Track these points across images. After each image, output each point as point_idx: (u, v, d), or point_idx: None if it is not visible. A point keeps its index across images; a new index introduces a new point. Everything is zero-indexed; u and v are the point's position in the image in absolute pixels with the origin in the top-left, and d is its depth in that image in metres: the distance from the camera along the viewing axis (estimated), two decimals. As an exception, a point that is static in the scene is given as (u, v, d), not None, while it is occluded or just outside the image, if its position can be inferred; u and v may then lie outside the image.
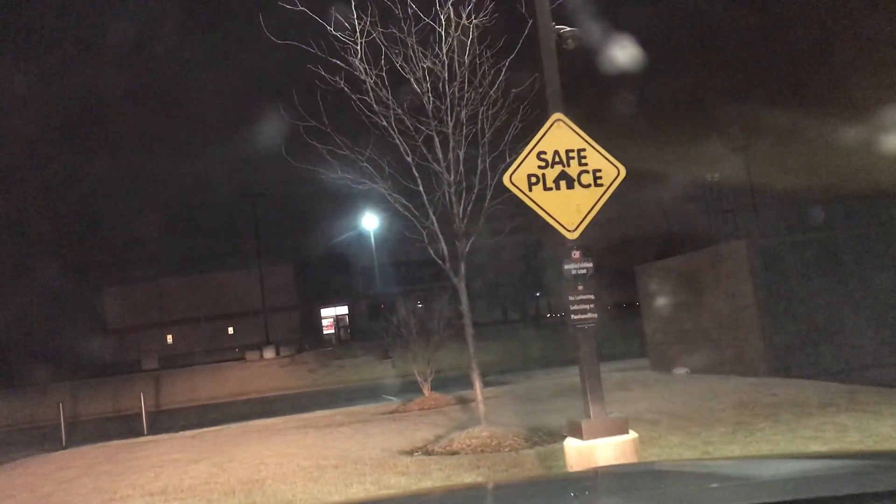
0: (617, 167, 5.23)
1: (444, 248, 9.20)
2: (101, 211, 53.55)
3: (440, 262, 9.25)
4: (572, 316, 5.14)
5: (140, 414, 17.17)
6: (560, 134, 5.20)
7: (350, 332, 51.55)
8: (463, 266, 9.15)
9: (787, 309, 12.95)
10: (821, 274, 13.18)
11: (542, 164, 5.16)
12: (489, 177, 9.02)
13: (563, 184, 5.15)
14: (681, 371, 15.07)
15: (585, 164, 5.18)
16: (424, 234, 9.26)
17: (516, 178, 5.16)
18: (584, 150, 5.19)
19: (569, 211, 5.14)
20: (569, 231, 5.14)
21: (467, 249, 9.15)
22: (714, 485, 1.96)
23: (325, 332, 52.21)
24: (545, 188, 5.15)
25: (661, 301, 16.13)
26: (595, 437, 4.95)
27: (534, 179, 5.15)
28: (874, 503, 1.56)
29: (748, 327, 13.27)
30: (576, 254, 5.13)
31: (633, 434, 5.03)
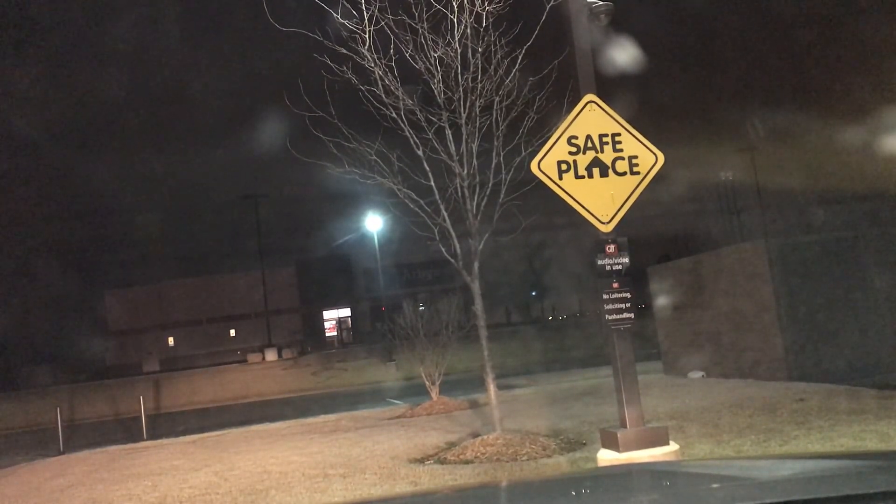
0: (655, 154, 4.79)
1: (457, 246, 8.75)
2: (103, 212, 53.15)
3: (452, 260, 8.81)
4: (606, 316, 4.70)
5: (140, 417, 16.73)
6: (593, 117, 4.76)
7: (353, 335, 51.13)
8: (476, 265, 8.71)
9: (808, 310, 12.49)
10: (843, 274, 12.72)
11: (574, 149, 4.73)
12: (504, 171, 8.60)
13: (596, 171, 4.72)
14: (696, 375, 14.60)
15: (621, 151, 4.75)
16: (436, 231, 8.82)
17: (545, 164, 4.72)
18: (619, 134, 4.76)
19: (603, 201, 4.71)
20: (602, 223, 4.71)
21: (481, 247, 8.71)
22: (714, 485, 1.97)
23: (327, 334, 51.77)
24: (577, 176, 4.71)
25: (675, 303, 15.66)
26: (633, 449, 4.51)
27: (564, 167, 4.72)
28: (874, 503, 1.54)
29: (767, 330, 12.80)
30: (610, 248, 4.70)
31: (674, 446, 4.59)
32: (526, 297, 54.17)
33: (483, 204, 8.64)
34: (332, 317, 52.83)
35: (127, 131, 63.14)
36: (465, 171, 8.54)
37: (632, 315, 4.72)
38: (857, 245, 13.10)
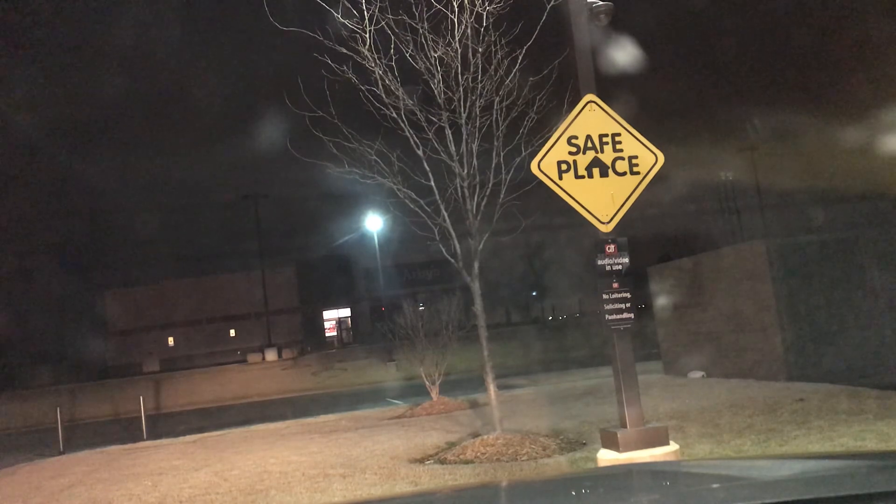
0: (655, 154, 4.80)
1: (457, 246, 8.76)
2: (103, 212, 53.17)
3: (452, 260, 8.81)
4: (606, 316, 4.70)
5: (140, 417, 16.74)
6: (593, 117, 4.76)
7: (353, 335, 51.12)
8: (476, 265, 8.71)
9: (808, 310, 12.49)
10: (843, 274, 12.72)
11: (574, 149, 4.73)
12: (504, 171, 8.60)
13: (596, 171, 4.72)
14: (696, 375, 14.61)
15: (621, 151, 4.75)
16: (436, 231, 8.82)
17: (545, 165, 4.73)
18: (619, 134, 4.76)
19: (603, 201, 4.71)
20: (602, 223, 4.71)
21: (481, 247, 8.71)
22: (714, 485, 1.97)
23: (327, 334, 51.76)
24: (577, 176, 4.72)
25: (675, 303, 15.67)
26: (633, 449, 4.51)
27: (564, 167, 4.72)
28: (874, 503, 1.54)
29: (767, 329, 12.81)
30: (610, 248, 4.70)
31: (674, 446, 4.59)
32: (526, 298, 54.15)
33: (483, 204, 8.64)
34: (332, 317, 52.82)
35: (127, 131, 63.18)
36: (465, 171, 8.54)
37: (632, 315, 4.73)
38: (857, 245, 13.10)
